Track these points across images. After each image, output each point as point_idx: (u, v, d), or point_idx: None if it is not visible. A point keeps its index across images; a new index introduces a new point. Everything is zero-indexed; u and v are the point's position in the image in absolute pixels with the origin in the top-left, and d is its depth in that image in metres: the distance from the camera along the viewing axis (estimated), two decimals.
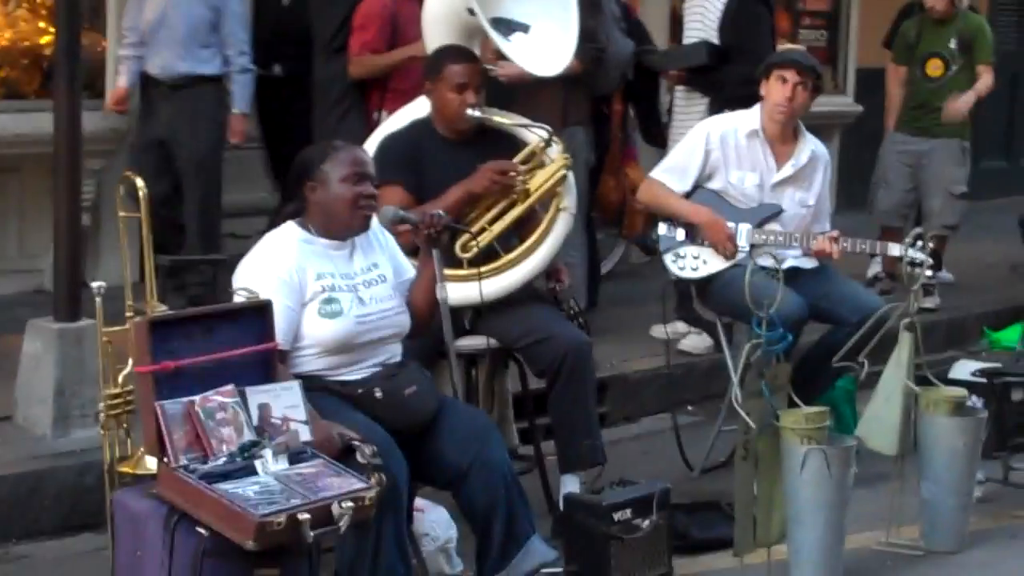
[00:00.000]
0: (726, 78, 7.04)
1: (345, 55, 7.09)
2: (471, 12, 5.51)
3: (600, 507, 4.85)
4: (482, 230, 5.33)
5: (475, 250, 5.23)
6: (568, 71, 6.29)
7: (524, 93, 6.96)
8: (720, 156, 6.04)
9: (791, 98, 5.96)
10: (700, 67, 7.15)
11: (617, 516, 4.83)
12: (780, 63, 6.06)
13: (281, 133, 8.19)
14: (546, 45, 5.81)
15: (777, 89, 5.99)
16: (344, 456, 4.12)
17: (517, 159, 5.43)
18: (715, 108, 6.93)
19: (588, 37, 6.93)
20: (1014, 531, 5.57)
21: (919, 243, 5.64)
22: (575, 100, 7.26)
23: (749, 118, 6.10)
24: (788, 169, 6.06)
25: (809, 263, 6.02)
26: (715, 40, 7.26)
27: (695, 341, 7.27)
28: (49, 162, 5.67)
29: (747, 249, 5.92)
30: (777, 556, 4.96)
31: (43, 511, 5.21)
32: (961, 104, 6.50)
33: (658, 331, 7.04)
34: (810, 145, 6.14)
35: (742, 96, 6.52)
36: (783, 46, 7.44)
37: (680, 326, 7.25)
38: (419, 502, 4.90)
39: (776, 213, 6.01)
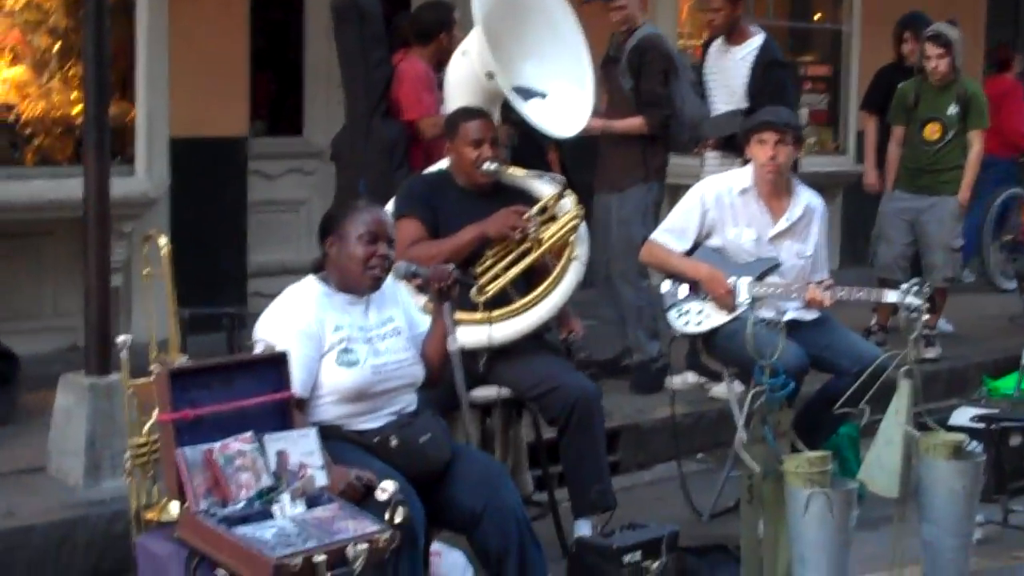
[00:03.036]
0: None
1: (392, 118, 7.34)
2: (490, 76, 5.72)
3: (610, 550, 4.96)
4: (494, 278, 5.50)
5: (488, 294, 5.40)
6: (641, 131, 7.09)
7: (605, 150, 7.51)
8: (716, 215, 6.22)
9: (773, 156, 6.14)
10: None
11: (627, 559, 4.94)
12: (756, 127, 6.25)
13: None
14: (563, 108, 6.04)
15: (759, 151, 6.17)
16: (364, 499, 4.23)
17: (532, 210, 5.60)
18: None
19: (657, 102, 7.42)
20: (1014, 572, 5.66)
21: (915, 289, 5.79)
22: (652, 156, 7.57)
23: (741, 177, 6.29)
24: (783, 223, 6.23)
25: (809, 315, 6.16)
26: (743, 104, 7.45)
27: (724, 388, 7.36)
28: (81, 225, 5.81)
29: (747, 302, 6.08)
30: None
31: (75, 558, 5.33)
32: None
33: (671, 383, 7.21)
34: (804, 198, 6.30)
35: None
36: None
37: (690, 376, 7.38)
38: (435, 546, 5.01)
39: (774, 266, 6.17)
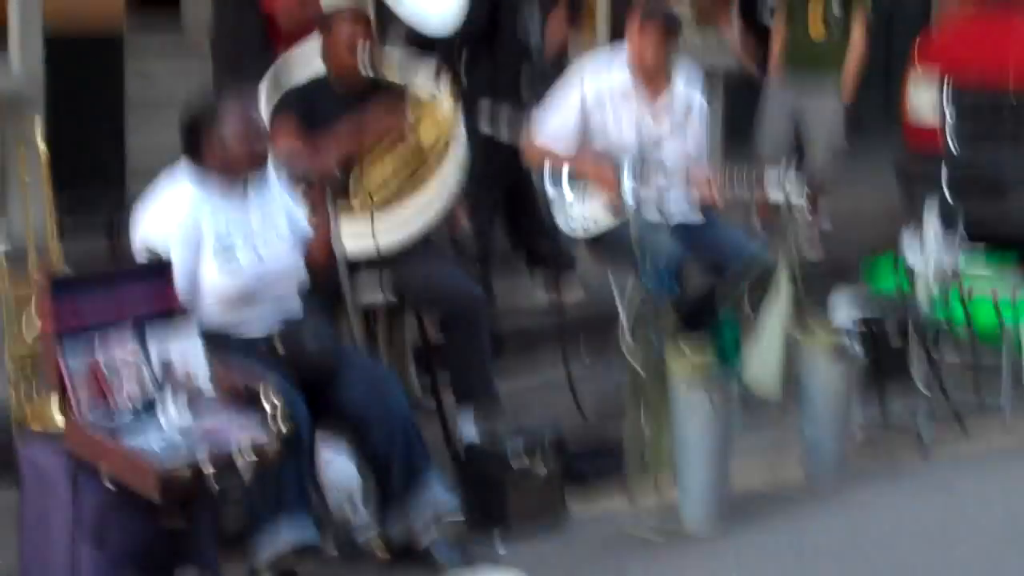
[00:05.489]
0: None
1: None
2: None
3: (497, 453, 5.03)
4: (382, 184, 5.43)
5: (376, 200, 5.36)
6: None
7: None
8: (598, 116, 6.15)
9: (640, 48, 6.08)
10: None
11: (515, 463, 5.02)
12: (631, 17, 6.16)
13: None
14: (434, 5, 5.98)
15: (630, 41, 6.12)
16: (249, 405, 4.21)
17: (409, 108, 5.53)
18: None
19: None
20: (893, 471, 5.73)
21: (790, 175, 5.78)
22: None
23: (620, 72, 6.18)
24: (664, 119, 6.18)
25: (695, 218, 6.17)
26: None
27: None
28: None
29: (632, 202, 6.05)
30: (667, 496, 5.15)
31: None
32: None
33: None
34: (683, 94, 6.23)
35: None
36: None
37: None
38: (325, 454, 5.02)
39: (656, 163, 6.11)
